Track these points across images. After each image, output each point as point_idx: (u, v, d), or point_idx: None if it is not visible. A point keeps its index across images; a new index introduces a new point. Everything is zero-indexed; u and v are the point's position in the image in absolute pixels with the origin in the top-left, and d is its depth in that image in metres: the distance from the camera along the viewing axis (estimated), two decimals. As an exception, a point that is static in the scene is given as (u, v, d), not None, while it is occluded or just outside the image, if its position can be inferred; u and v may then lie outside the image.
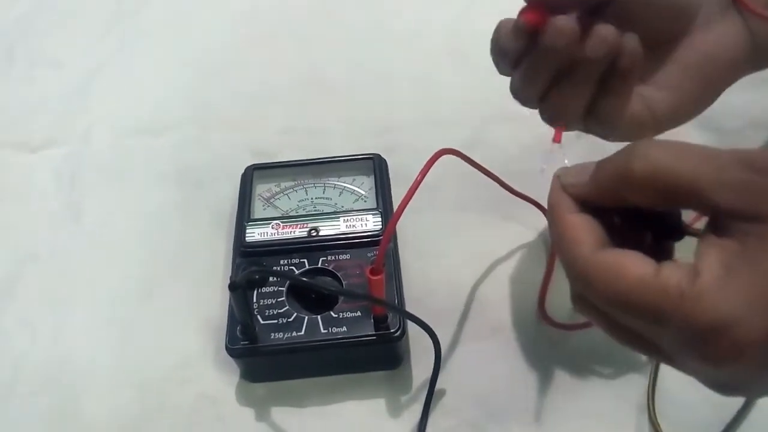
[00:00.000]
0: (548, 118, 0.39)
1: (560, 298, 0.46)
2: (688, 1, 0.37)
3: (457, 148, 0.38)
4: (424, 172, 0.36)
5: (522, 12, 0.35)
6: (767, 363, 0.26)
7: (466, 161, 0.41)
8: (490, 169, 0.42)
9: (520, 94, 0.38)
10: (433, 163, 0.36)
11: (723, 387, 0.28)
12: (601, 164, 0.30)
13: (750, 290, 0.25)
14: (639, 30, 0.36)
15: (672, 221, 0.31)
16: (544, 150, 0.38)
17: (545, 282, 0.46)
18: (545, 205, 0.46)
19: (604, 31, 0.34)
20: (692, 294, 0.25)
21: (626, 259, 0.28)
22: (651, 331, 0.28)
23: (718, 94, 0.40)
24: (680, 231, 0.31)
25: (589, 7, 0.35)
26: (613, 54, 0.35)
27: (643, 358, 0.43)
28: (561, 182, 0.31)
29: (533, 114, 0.39)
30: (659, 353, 0.29)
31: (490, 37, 0.37)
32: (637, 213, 0.30)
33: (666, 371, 0.42)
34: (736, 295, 0.25)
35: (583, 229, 0.29)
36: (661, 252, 0.31)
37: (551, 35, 0.34)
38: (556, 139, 0.38)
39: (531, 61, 0.36)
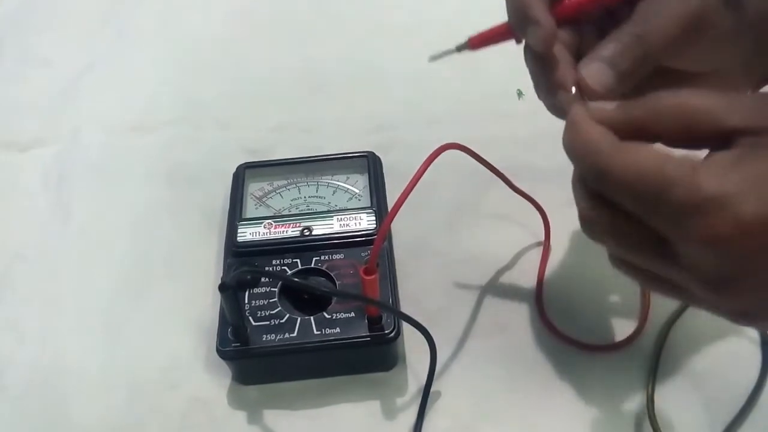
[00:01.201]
0: None
1: (558, 298, 0.45)
2: None
3: (459, 143, 0.38)
4: (425, 167, 0.36)
5: None
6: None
7: (471, 155, 0.40)
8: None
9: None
10: (436, 157, 0.36)
11: (737, 313, 0.30)
12: (631, 101, 0.31)
13: (756, 175, 0.27)
14: None
15: None
16: None
17: (539, 282, 0.46)
18: (543, 205, 0.46)
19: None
20: (703, 168, 0.27)
21: (643, 147, 0.29)
22: (661, 223, 0.29)
23: None
24: None
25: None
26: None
27: (644, 358, 0.42)
28: (589, 106, 0.32)
29: (528, 111, 0.39)
30: (679, 273, 0.30)
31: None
32: None
33: (666, 370, 0.41)
34: (742, 176, 0.27)
35: (605, 131, 0.31)
36: None
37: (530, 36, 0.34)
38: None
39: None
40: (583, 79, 0.34)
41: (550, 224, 0.47)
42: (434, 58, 0.36)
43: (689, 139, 0.30)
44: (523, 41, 0.36)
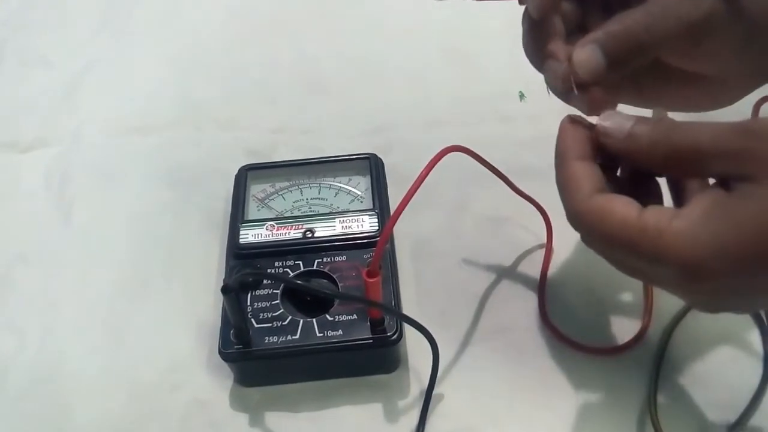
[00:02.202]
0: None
1: (560, 300, 0.45)
2: None
3: (463, 146, 0.38)
4: (428, 170, 0.36)
5: None
6: (732, 292, 0.29)
7: (475, 158, 0.40)
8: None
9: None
10: (439, 160, 0.36)
11: (704, 309, 0.32)
12: (642, 129, 0.32)
13: (719, 233, 0.28)
14: None
15: None
16: None
17: (542, 284, 0.46)
18: (545, 206, 0.46)
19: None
20: (667, 234, 0.28)
21: (614, 202, 0.31)
22: (639, 265, 0.31)
23: None
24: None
25: None
26: None
27: (646, 360, 0.42)
28: (596, 124, 0.33)
29: (530, 113, 0.38)
30: (653, 281, 0.33)
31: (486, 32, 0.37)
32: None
33: (669, 372, 0.42)
34: (706, 236, 0.28)
35: (583, 177, 0.32)
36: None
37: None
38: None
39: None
40: (572, 64, 0.34)
41: (552, 226, 0.47)
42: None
43: (681, 173, 0.32)
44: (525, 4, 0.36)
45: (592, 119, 0.34)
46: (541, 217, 0.47)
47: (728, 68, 0.36)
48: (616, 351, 0.43)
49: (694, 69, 0.36)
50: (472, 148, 0.40)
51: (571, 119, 0.34)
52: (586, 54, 0.33)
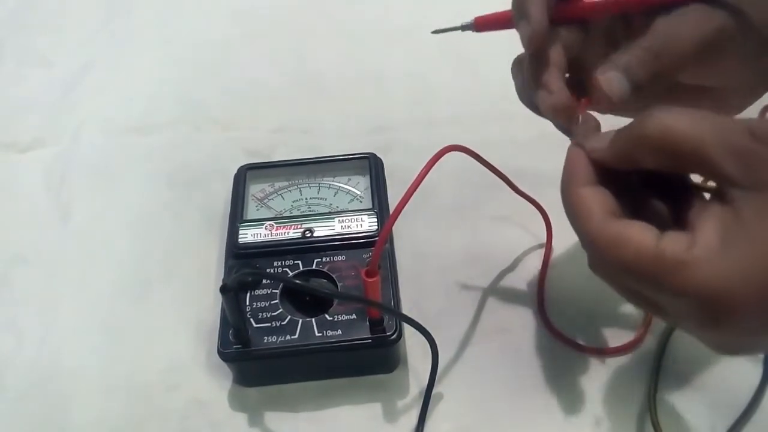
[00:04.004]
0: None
1: (560, 300, 0.45)
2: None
3: (462, 145, 0.38)
4: (427, 169, 0.36)
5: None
6: (760, 327, 0.27)
7: (474, 158, 0.40)
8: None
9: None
10: (438, 159, 0.36)
11: (724, 349, 0.30)
12: (620, 129, 0.31)
13: (741, 262, 0.26)
14: None
15: (684, 185, 0.31)
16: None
17: (541, 285, 0.46)
18: (545, 207, 0.46)
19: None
20: (687, 264, 0.27)
21: (629, 229, 0.29)
22: (655, 296, 0.29)
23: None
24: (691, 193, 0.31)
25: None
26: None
27: (646, 361, 0.42)
28: (585, 146, 0.32)
29: (530, 113, 0.38)
30: (667, 316, 0.30)
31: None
32: (653, 181, 0.31)
33: (669, 373, 0.41)
34: (728, 266, 0.26)
35: (594, 202, 0.30)
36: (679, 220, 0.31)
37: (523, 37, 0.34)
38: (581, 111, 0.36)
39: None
40: (599, 83, 0.33)
41: (552, 227, 0.47)
42: (438, 31, 0.36)
43: (680, 169, 0.30)
44: None
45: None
46: (540, 217, 0.47)
47: (739, 80, 0.36)
48: (616, 352, 0.43)
49: (705, 83, 0.36)
50: (471, 148, 0.40)
51: (578, 145, 0.33)
52: (611, 77, 0.33)
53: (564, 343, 0.43)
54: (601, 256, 0.30)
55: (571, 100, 0.34)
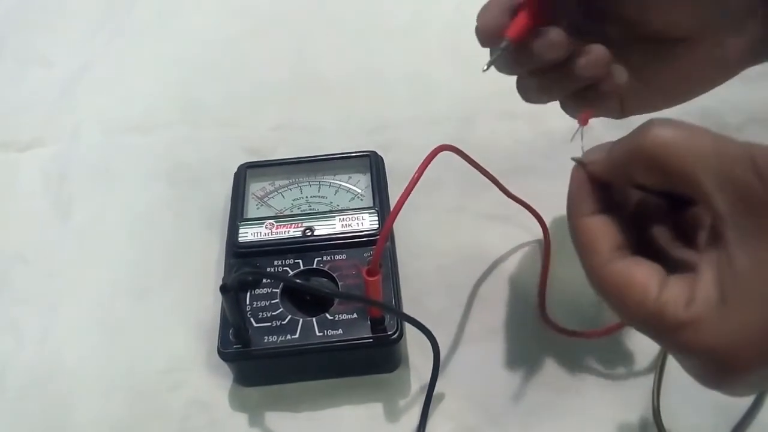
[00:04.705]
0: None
1: (560, 299, 0.45)
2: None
3: (453, 145, 0.38)
4: (422, 169, 0.35)
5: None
6: (765, 379, 0.27)
7: (464, 159, 0.40)
8: (487, 167, 0.42)
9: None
10: (431, 159, 0.35)
11: (729, 394, 0.29)
12: (619, 139, 0.30)
13: (741, 319, 0.25)
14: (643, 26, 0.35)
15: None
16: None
17: (542, 283, 0.45)
18: (539, 210, 0.46)
19: (597, 53, 0.34)
20: (687, 325, 0.26)
21: (635, 273, 0.28)
22: (659, 343, 0.29)
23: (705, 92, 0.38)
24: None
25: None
26: (599, 76, 0.35)
27: (647, 360, 0.42)
28: (584, 159, 0.31)
29: (530, 111, 0.38)
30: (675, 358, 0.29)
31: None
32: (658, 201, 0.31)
33: (671, 373, 0.41)
34: (729, 326, 0.25)
35: (598, 236, 0.30)
36: (685, 237, 0.31)
37: (540, 48, 0.33)
38: (583, 123, 0.35)
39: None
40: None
41: (548, 228, 0.47)
42: (488, 65, 0.35)
43: (674, 190, 0.28)
44: None
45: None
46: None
47: (698, 20, 0.34)
48: (617, 329, 0.42)
49: (664, 27, 0.34)
50: (472, 147, 0.40)
51: (579, 163, 0.32)
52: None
53: (565, 340, 0.43)
54: (605, 298, 0.29)
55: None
